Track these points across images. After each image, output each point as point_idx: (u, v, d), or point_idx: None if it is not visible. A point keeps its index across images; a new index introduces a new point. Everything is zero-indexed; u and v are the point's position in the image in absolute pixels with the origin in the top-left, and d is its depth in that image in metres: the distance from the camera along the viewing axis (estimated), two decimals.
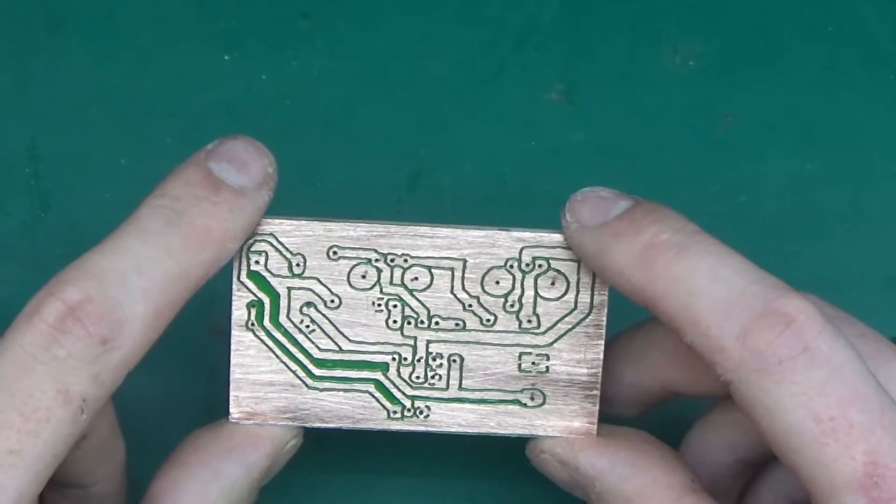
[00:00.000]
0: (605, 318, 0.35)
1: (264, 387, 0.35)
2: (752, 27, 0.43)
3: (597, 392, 0.36)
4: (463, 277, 0.35)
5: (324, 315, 0.35)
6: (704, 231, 0.33)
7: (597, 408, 0.36)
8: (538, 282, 0.35)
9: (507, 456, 0.38)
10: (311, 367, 0.35)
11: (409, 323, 0.35)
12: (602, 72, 0.43)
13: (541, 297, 0.35)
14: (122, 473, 0.36)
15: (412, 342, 0.35)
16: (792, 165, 0.42)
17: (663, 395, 0.36)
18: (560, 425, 0.36)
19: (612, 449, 0.35)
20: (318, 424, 0.36)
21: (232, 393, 0.35)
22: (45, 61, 0.42)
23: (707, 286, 0.32)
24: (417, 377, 0.35)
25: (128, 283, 0.31)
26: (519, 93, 0.43)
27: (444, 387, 0.36)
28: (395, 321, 0.35)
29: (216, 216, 0.33)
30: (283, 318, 0.35)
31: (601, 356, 0.35)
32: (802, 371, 0.31)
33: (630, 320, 0.37)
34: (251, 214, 0.33)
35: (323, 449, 0.39)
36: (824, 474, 0.31)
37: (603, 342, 0.35)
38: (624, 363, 0.36)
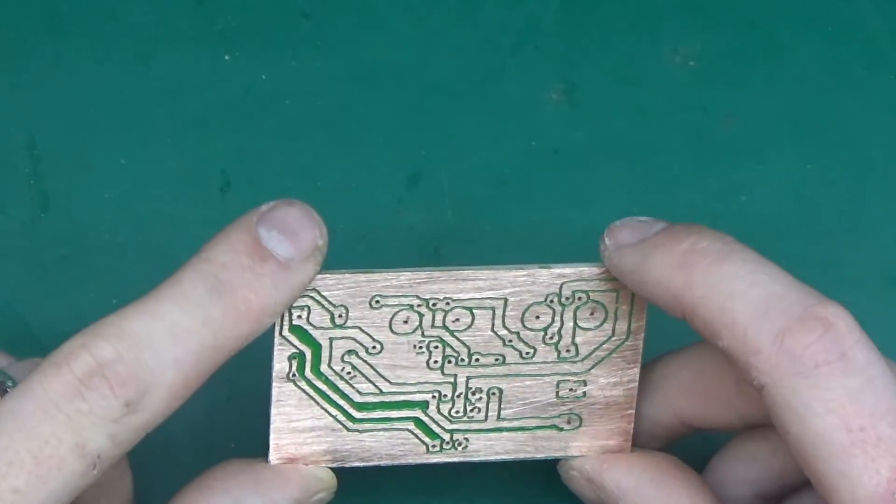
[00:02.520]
0: (642, 343, 0.35)
1: (305, 433, 0.35)
2: (752, 27, 0.43)
3: (632, 412, 0.36)
4: (504, 315, 0.35)
5: (365, 361, 0.35)
6: (741, 242, 0.33)
7: (632, 426, 0.36)
8: (577, 313, 0.35)
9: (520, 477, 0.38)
10: (351, 411, 0.35)
11: (449, 362, 0.35)
12: (602, 72, 0.43)
13: (580, 327, 0.35)
14: None
15: (452, 380, 0.35)
16: (792, 165, 0.42)
17: (681, 430, 0.36)
18: (595, 445, 0.36)
19: (639, 469, 0.35)
20: (357, 464, 0.36)
21: (272, 441, 0.35)
22: (45, 61, 0.42)
23: (745, 290, 0.32)
24: (457, 412, 0.36)
25: (161, 350, 0.31)
26: (519, 93, 0.43)
27: (483, 418, 0.36)
28: (435, 361, 0.35)
29: (258, 290, 0.32)
30: (324, 368, 0.35)
31: (637, 378, 0.36)
32: (838, 377, 0.31)
33: (665, 346, 0.37)
34: (294, 290, 0.33)
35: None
36: (847, 486, 0.30)
37: (639, 365, 0.36)
38: (641, 397, 0.36)
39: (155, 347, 0.31)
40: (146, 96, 0.42)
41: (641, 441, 0.37)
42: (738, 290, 0.32)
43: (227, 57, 0.43)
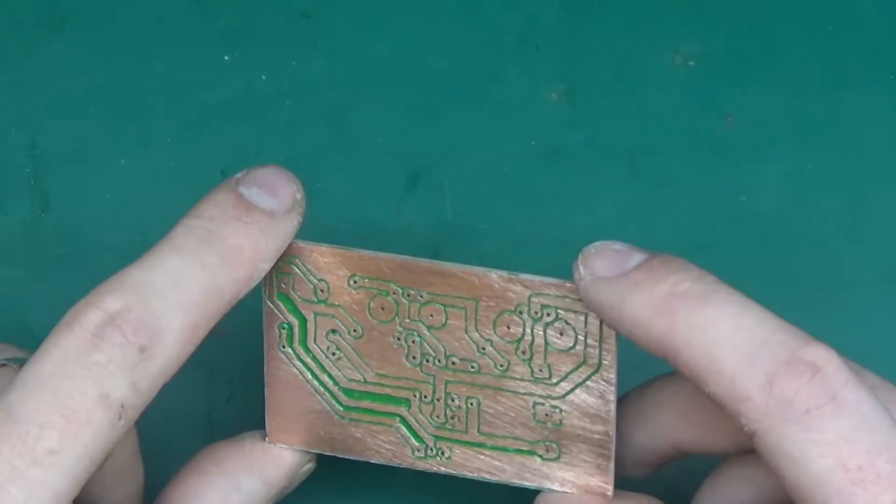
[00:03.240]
0: (614, 375, 0.34)
1: (298, 413, 0.36)
2: (752, 27, 0.43)
3: (610, 451, 0.35)
4: (476, 318, 0.34)
5: (347, 344, 0.35)
6: (723, 282, 0.32)
7: (611, 465, 0.35)
8: (547, 331, 0.34)
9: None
10: (340, 395, 0.35)
11: (427, 361, 0.35)
12: (602, 72, 0.43)
13: (550, 346, 0.34)
14: (140, 497, 0.36)
15: (431, 380, 0.35)
16: (792, 165, 0.42)
17: (673, 455, 0.36)
18: (575, 482, 0.35)
19: None
20: (350, 456, 0.36)
21: (268, 420, 0.36)
22: (45, 61, 0.42)
23: (730, 335, 0.31)
24: (438, 416, 0.35)
25: (166, 295, 0.32)
26: (519, 93, 0.43)
27: (464, 430, 0.35)
28: (414, 357, 0.35)
29: (248, 236, 0.33)
30: (311, 343, 0.35)
31: (613, 414, 0.34)
32: (830, 420, 0.30)
33: (640, 372, 0.36)
34: (282, 236, 0.34)
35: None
36: None
37: (614, 400, 0.34)
38: (633, 424, 0.36)
39: (160, 293, 0.32)
40: (146, 96, 0.42)
41: (631, 467, 0.36)
42: (722, 336, 0.31)
43: (227, 57, 0.43)
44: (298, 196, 0.34)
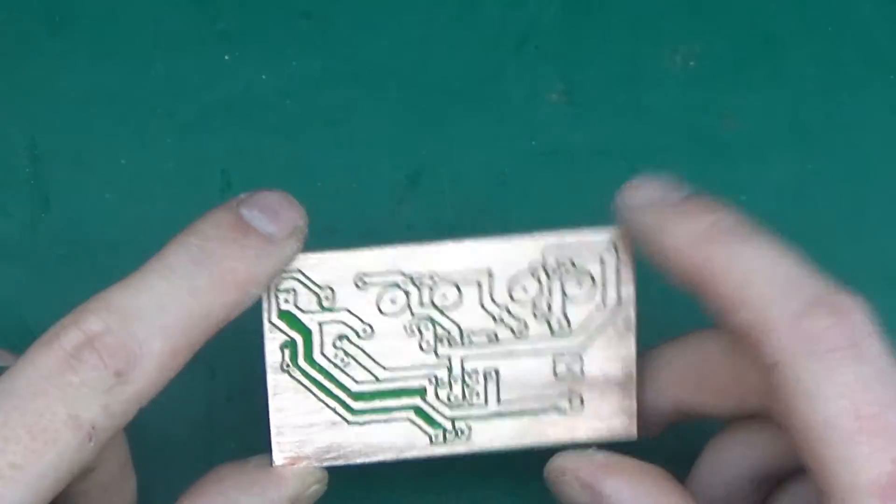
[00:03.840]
0: (633, 312, 0.35)
1: (305, 429, 0.35)
2: (752, 27, 0.43)
3: (633, 388, 0.35)
4: (490, 288, 0.35)
5: (357, 346, 0.35)
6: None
7: (634, 403, 0.35)
8: (564, 284, 0.35)
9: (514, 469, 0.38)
10: (349, 401, 0.35)
11: (441, 343, 0.35)
12: (602, 72, 0.43)
13: (568, 298, 0.35)
14: None
15: (447, 362, 0.35)
16: (792, 165, 0.42)
17: (677, 418, 0.36)
18: (601, 426, 0.36)
19: (637, 480, 0.35)
20: (361, 460, 0.36)
21: (274, 439, 0.35)
22: (45, 61, 0.42)
23: (767, 268, 0.32)
24: (455, 397, 0.35)
25: (148, 320, 0.32)
26: (519, 93, 0.43)
27: (483, 403, 0.35)
28: (427, 342, 0.35)
29: (243, 259, 0.33)
30: (317, 356, 0.35)
31: (634, 351, 0.35)
32: (852, 363, 0.31)
33: (659, 319, 0.37)
34: (277, 262, 0.34)
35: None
36: (849, 473, 0.30)
37: (634, 337, 0.35)
38: (638, 386, 0.36)
39: (143, 318, 0.32)
40: (146, 96, 0.42)
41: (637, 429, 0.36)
42: (758, 268, 0.32)
43: (227, 57, 0.43)
44: (300, 223, 0.34)
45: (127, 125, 0.42)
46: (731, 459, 0.36)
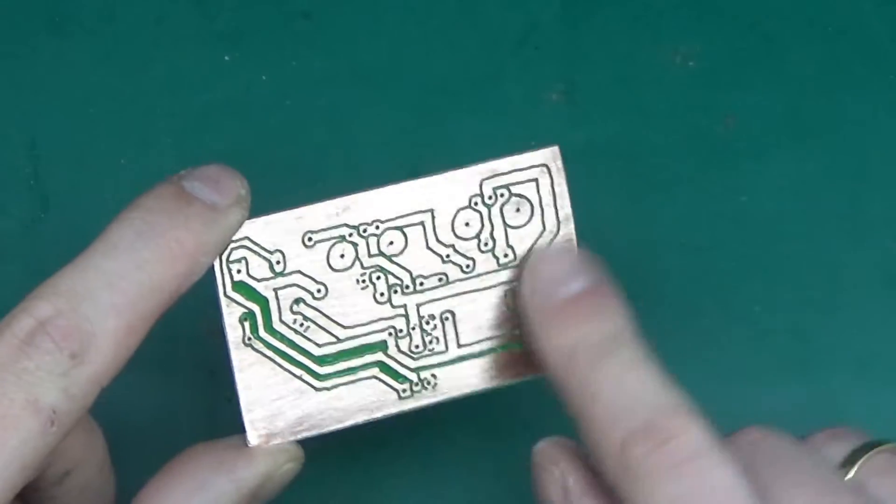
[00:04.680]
0: (573, 230, 0.35)
1: (275, 401, 0.35)
2: (752, 27, 0.43)
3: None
4: (434, 228, 0.35)
5: (314, 308, 0.35)
6: (637, 337, 0.33)
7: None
8: (504, 212, 0.35)
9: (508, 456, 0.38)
10: (314, 367, 0.35)
11: (395, 292, 0.35)
12: (602, 72, 0.43)
13: (509, 227, 0.35)
14: None
15: (403, 310, 0.35)
16: (792, 165, 0.42)
17: None
18: None
19: None
20: (336, 426, 0.35)
21: (245, 417, 0.35)
22: (45, 61, 0.42)
23: (609, 394, 0.32)
24: (416, 346, 0.35)
25: (98, 299, 0.32)
26: (519, 93, 0.43)
27: (444, 349, 0.35)
28: (381, 293, 0.35)
29: (189, 228, 0.33)
30: (276, 324, 0.35)
31: (574, 237, 0.35)
32: (669, 484, 0.31)
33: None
34: (224, 230, 0.34)
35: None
36: None
37: (575, 248, 0.35)
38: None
39: (92, 298, 0.32)
40: (146, 96, 0.42)
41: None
42: (602, 393, 0.32)
43: (227, 57, 0.43)
44: (243, 192, 0.34)
45: (127, 125, 0.42)
46: None
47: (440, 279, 0.35)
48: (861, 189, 0.42)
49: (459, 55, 0.43)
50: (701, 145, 0.42)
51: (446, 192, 0.35)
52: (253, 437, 0.35)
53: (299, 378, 0.35)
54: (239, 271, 0.35)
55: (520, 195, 0.35)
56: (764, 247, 0.41)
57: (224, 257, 0.34)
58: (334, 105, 0.42)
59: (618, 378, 0.33)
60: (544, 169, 0.35)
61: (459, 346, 0.36)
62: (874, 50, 0.43)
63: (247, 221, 0.34)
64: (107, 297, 0.32)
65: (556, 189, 0.35)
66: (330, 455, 0.39)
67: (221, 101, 0.42)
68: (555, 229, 0.35)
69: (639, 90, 0.43)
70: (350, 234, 0.35)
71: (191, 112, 0.42)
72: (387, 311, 0.35)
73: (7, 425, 0.31)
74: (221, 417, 0.40)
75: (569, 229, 0.35)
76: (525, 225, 0.35)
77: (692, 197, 0.42)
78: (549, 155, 0.35)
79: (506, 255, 0.35)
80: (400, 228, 0.35)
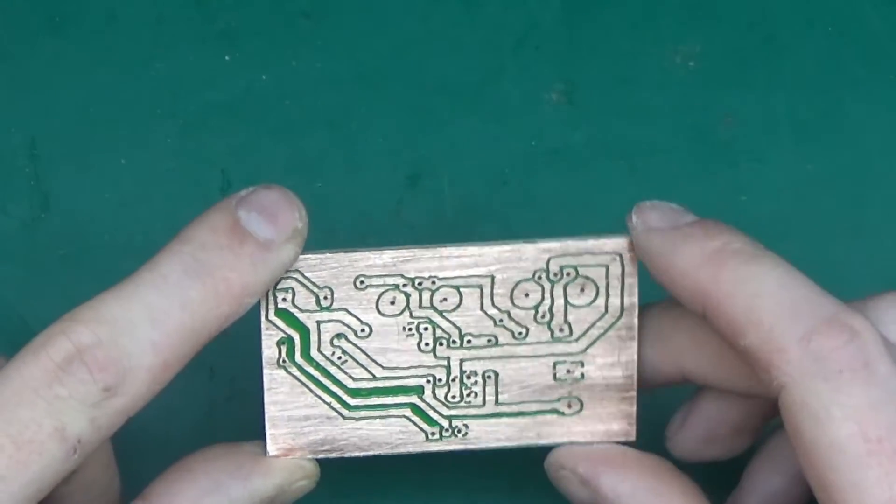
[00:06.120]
0: (636, 320, 0.35)
1: (300, 422, 0.35)
2: (752, 27, 0.43)
3: (633, 394, 0.35)
4: (492, 293, 0.35)
5: (355, 345, 0.35)
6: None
7: (634, 409, 0.35)
8: (567, 290, 0.35)
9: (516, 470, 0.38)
10: (346, 397, 0.35)
11: (441, 344, 0.35)
12: (602, 72, 0.43)
13: (571, 304, 0.35)
14: None
15: (446, 363, 0.35)
16: (792, 165, 0.42)
17: (679, 381, 0.36)
18: (599, 429, 0.35)
19: (636, 474, 0.35)
20: (356, 454, 0.35)
21: (268, 431, 0.35)
22: (45, 61, 0.42)
23: (775, 290, 0.32)
24: (453, 397, 0.35)
25: (139, 334, 0.31)
26: (519, 93, 0.43)
27: (481, 403, 0.35)
28: (426, 343, 0.35)
29: (237, 269, 0.32)
30: (314, 353, 0.35)
31: (635, 358, 0.35)
32: (861, 385, 0.30)
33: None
34: (274, 270, 0.33)
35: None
36: (856, 498, 0.30)
37: (636, 343, 0.35)
38: (647, 342, 0.36)
39: (133, 331, 0.31)
40: (146, 96, 0.42)
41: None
42: (766, 290, 0.32)
43: (227, 57, 0.43)
44: (299, 225, 0.33)
45: (127, 125, 0.42)
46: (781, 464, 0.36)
47: (489, 340, 0.35)
48: (861, 189, 0.42)
49: (459, 55, 0.43)
50: (701, 145, 0.42)
51: (511, 262, 0.35)
52: (272, 450, 0.35)
53: (328, 405, 0.35)
54: (284, 300, 0.34)
55: (587, 277, 0.35)
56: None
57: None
58: (334, 105, 0.42)
59: (781, 277, 0.32)
60: (617, 257, 0.35)
61: (497, 403, 0.35)
62: (874, 50, 0.43)
63: (301, 255, 0.34)
64: (148, 332, 0.31)
65: (627, 280, 0.35)
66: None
67: (221, 101, 0.42)
68: (617, 314, 0.35)
69: (639, 90, 0.43)
70: (404, 285, 0.35)
71: (191, 112, 0.42)
72: (429, 359, 0.35)
73: (33, 450, 0.30)
74: (221, 417, 0.40)
75: (632, 318, 0.35)
76: (587, 306, 0.35)
77: (692, 197, 0.42)
78: (624, 244, 0.35)
79: (561, 330, 0.35)
80: (457, 287, 0.35)
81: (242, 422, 0.38)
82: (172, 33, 0.43)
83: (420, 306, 0.35)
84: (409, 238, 0.41)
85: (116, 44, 0.43)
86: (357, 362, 0.35)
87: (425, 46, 0.43)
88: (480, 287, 0.35)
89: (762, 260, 0.32)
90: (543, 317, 0.35)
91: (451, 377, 0.35)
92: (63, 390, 0.31)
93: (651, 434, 0.37)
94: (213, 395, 0.40)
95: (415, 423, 0.35)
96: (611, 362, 0.35)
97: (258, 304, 0.34)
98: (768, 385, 0.31)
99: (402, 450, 0.35)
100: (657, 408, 0.37)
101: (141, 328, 0.31)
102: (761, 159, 0.42)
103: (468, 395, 0.35)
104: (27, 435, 0.30)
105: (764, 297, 0.32)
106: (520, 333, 0.35)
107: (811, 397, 0.31)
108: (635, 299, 0.35)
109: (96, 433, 0.31)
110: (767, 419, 0.36)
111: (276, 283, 0.34)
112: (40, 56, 0.42)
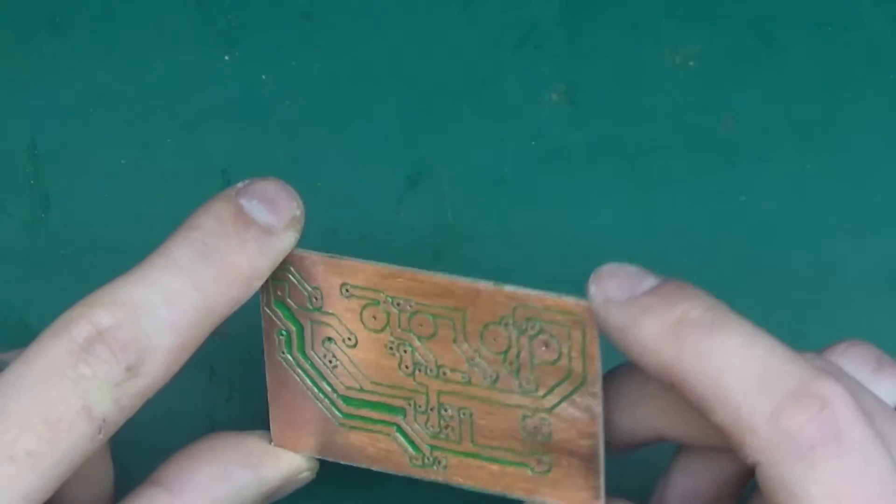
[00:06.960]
0: (599, 389, 0.33)
1: (300, 418, 0.36)
2: (752, 27, 0.43)
3: (598, 465, 0.34)
4: (464, 329, 0.34)
5: (343, 352, 0.35)
6: (734, 311, 0.32)
7: (601, 482, 0.34)
8: (532, 343, 0.33)
9: None
10: (339, 402, 0.35)
11: (419, 370, 0.35)
12: (602, 72, 0.43)
13: (535, 358, 0.34)
14: (109, 499, 0.36)
15: (424, 390, 0.35)
16: (792, 165, 0.42)
17: (655, 440, 0.35)
18: (566, 495, 0.34)
19: None
20: (347, 461, 0.36)
21: (272, 426, 0.36)
22: (45, 61, 0.42)
23: (739, 363, 0.31)
24: (433, 426, 0.35)
25: (157, 315, 0.32)
26: (519, 93, 0.43)
27: (458, 440, 0.35)
28: (406, 366, 0.35)
29: (245, 253, 0.33)
30: (308, 350, 0.35)
31: (600, 429, 0.34)
32: (835, 459, 0.30)
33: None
34: (277, 254, 0.34)
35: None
36: None
37: (600, 414, 0.33)
38: (618, 407, 0.35)
39: (151, 313, 0.32)
40: (146, 96, 0.42)
41: (611, 448, 0.35)
42: (731, 364, 0.31)
43: (227, 57, 0.43)
44: (297, 212, 0.34)
45: (127, 125, 0.42)
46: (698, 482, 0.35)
47: (463, 377, 0.34)
48: (861, 189, 0.42)
49: (459, 55, 0.43)
50: (701, 145, 0.42)
51: (480, 301, 0.33)
52: (276, 442, 0.36)
53: (325, 407, 0.35)
54: (280, 292, 0.35)
55: (550, 334, 0.33)
56: (764, 247, 0.41)
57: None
58: (334, 105, 0.42)
59: (743, 347, 0.31)
60: (579, 323, 0.33)
61: (473, 444, 0.35)
62: (874, 50, 0.43)
63: (296, 251, 0.34)
64: (165, 313, 0.32)
65: (588, 348, 0.33)
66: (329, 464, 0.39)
67: (221, 101, 0.42)
68: (579, 381, 0.33)
69: (639, 90, 0.43)
70: (385, 302, 0.34)
71: (191, 112, 0.42)
72: (410, 383, 0.35)
73: (61, 428, 0.31)
74: (221, 417, 0.40)
75: (595, 387, 0.33)
76: (551, 364, 0.33)
77: (692, 197, 0.42)
78: (585, 309, 0.33)
79: (528, 383, 0.34)
80: (431, 316, 0.34)
81: (242, 422, 0.38)
82: (172, 33, 0.43)
83: (399, 326, 0.34)
84: (410, 238, 0.41)
85: (116, 44, 0.43)
86: (345, 369, 0.35)
87: (425, 46, 0.43)
88: (452, 320, 0.34)
89: (722, 329, 0.31)
90: (511, 364, 0.34)
91: (430, 406, 0.35)
92: (88, 370, 0.31)
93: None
94: (213, 395, 0.40)
95: (400, 445, 0.35)
96: (575, 432, 0.34)
97: (257, 300, 0.35)
98: (744, 459, 0.31)
99: (386, 467, 0.36)
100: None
101: (159, 310, 0.32)
102: (761, 159, 0.42)
103: (446, 427, 0.35)
104: (55, 414, 0.31)
105: (728, 372, 0.31)
106: (491, 377, 0.34)
107: (787, 476, 0.30)
108: (598, 367, 0.33)
109: (119, 413, 0.32)
110: (747, 478, 0.35)
111: (273, 275, 0.34)
112: (40, 56, 0.42)
